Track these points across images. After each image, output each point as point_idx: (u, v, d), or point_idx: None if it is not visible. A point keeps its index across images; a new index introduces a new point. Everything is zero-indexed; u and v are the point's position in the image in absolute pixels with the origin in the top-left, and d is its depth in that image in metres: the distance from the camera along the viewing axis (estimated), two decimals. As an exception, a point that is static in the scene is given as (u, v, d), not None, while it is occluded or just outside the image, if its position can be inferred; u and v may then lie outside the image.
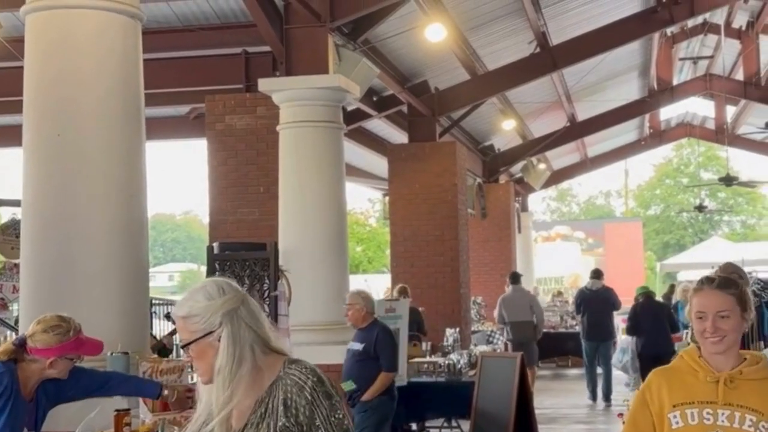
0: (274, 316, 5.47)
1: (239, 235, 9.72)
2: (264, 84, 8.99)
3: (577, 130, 19.91)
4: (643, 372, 11.28)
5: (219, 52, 10.73)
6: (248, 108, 10.16)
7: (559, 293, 21.58)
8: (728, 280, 3.03)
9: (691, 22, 17.33)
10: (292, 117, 8.85)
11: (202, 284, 2.51)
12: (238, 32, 10.31)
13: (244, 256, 5.60)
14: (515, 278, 13.99)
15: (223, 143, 10.28)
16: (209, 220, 10.59)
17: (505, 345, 15.92)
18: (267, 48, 9.72)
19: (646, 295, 12.08)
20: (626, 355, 12.24)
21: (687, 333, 12.74)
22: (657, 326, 11.53)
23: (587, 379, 13.50)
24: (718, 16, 17.40)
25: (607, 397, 13.06)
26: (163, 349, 8.01)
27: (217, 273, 5.58)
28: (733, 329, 2.94)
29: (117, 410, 4.51)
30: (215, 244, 6.21)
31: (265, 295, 5.54)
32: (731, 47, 18.85)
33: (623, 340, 12.38)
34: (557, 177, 25.63)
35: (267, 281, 5.54)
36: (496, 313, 14.29)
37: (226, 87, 10.77)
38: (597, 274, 13.73)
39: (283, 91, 8.88)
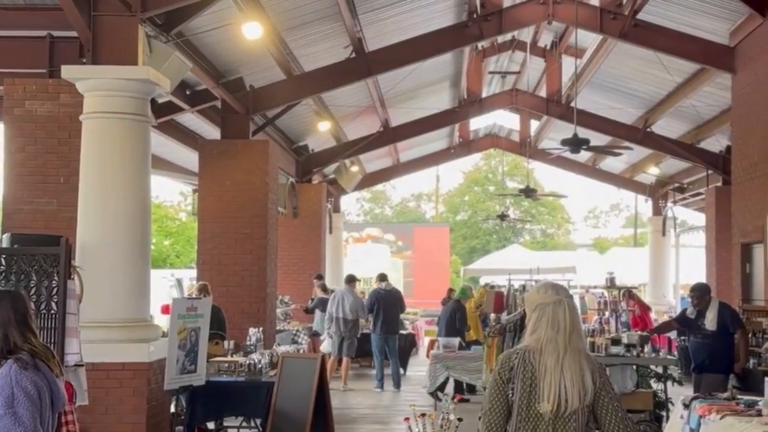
0: (63, 314, 5.29)
1: (36, 226, 9.32)
2: (68, 71, 8.64)
3: (390, 135, 20.40)
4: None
5: (21, 33, 10.21)
6: (51, 94, 9.72)
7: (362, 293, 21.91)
8: None
9: (500, 39, 18.11)
10: (97, 107, 8.55)
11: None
12: (43, 15, 9.84)
13: (33, 251, 5.38)
14: (349, 279, 15.79)
15: (22, 129, 9.79)
16: (3, 209, 10.08)
17: (310, 343, 16.15)
18: (74, 33, 9.34)
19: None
20: None
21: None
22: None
23: (377, 369, 15.38)
24: (526, 35, 18.31)
25: (397, 384, 15.05)
26: None
27: (2, 267, 5.33)
28: None
29: None
30: (5, 236, 5.92)
31: (53, 292, 5.34)
32: (536, 65, 19.88)
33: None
34: (370, 180, 26.11)
35: (56, 278, 5.34)
36: (331, 310, 15.57)
37: (28, 71, 10.26)
38: (383, 277, 16.05)
39: (89, 79, 8.57)
